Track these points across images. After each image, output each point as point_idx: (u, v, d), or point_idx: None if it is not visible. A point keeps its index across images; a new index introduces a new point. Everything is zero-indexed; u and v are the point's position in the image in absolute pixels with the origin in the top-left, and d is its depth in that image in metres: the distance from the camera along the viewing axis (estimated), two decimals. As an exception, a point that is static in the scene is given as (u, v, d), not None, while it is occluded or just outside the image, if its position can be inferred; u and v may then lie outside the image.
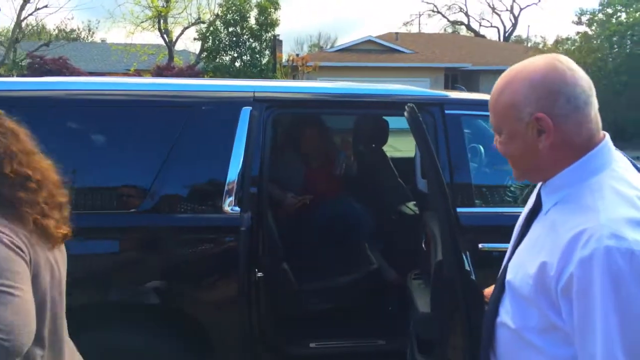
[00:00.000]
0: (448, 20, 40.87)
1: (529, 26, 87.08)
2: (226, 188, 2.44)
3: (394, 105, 2.71)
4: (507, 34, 38.96)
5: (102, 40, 33.06)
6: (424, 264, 2.39)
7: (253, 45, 19.84)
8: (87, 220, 2.43)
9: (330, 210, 3.62)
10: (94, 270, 2.42)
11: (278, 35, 20.84)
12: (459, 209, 2.57)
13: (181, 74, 18.38)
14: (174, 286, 2.47)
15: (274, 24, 19.87)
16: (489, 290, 1.39)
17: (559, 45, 21.44)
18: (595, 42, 19.16)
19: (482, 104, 2.63)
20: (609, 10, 19.38)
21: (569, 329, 1.04)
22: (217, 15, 20.72)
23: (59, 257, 1.26)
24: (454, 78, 23.81)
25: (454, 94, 3.00)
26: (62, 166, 2.46)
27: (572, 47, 20.00)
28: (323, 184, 3.73)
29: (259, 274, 2.45)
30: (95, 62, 25.07)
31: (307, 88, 3.09)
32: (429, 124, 2.64)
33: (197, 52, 22.39)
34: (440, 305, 1.87)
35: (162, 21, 21.92)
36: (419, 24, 53.63)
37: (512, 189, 2.85)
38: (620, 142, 13.78)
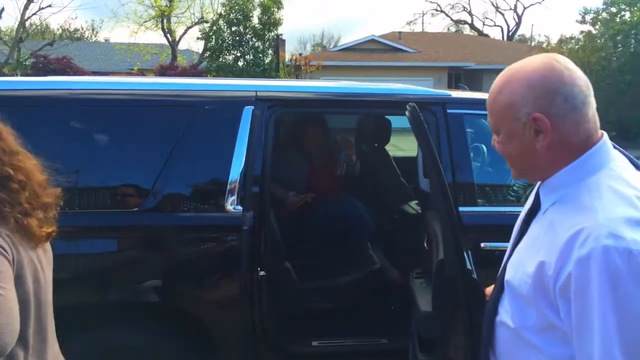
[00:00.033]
0: (451, 20, 40.86)
1: (532, 25, 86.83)
2: (228, 187, 2.45)
3: (396, 104, 2.71)
4: (510, 33, 38.89)
5: (105, 40, 33.15)
6: (426, 263, 2.39)
7: (256, 44, 19.85)
8: (89, 219, 2.45)
9: (333, 209, 3.63)
10: (96, 269, 2.44)
11: (281, 34, 20.85)
12: (461, 208, 2.57)
13: (184, 73, 18.42)
14: (177, 285, 2.48)
15: (277, 23, 19.87)
16: (490, 289, 1.40)
17: (563, 44, 21.37)
18: (599, 41, 19.09)
19: (484, 103, 2.62)
20: (613, 9, 19.31)
21: (567, 328, 1.04)
22: (220, 14, 20.74)
23: (43, 258, 1.23)
24: (458, 77, 23.78)
25: (457, 93, 3.00)
26: (63, 165, 2.48)
27: (576, 46, 19.93)
28: (325, 183, 3.73)
29: (262, 273, 2.45)
30: (98, 62, 25.13)
31: (309, 87, 3.09)
32: (431, 123, 2.64)
33: (200, 51, 22.43)
34: (441, 304, 1.87)
35: (165, 21, 21.97)
36: (423, 23, 53.66)
37: (514, 188, 2.85)
38: (624, 141, 13.75)
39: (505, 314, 1.19)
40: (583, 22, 20.37)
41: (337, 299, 3.16)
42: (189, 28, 22.88)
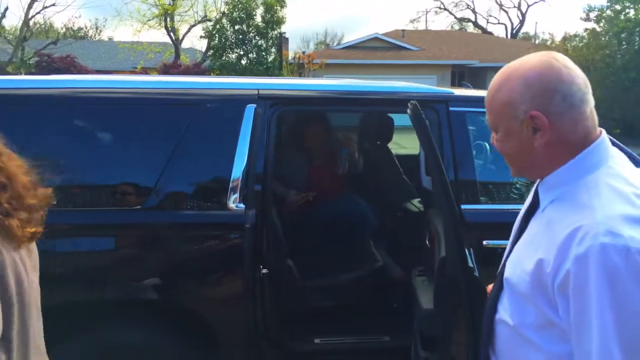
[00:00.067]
0: (455, 17, 40.73)
1: (536, 23, 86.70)
2: (231, 185, 2.46)
3: (399, 102, 2.71)
4: (514, 31, 38.75)
5: (109, 39, 33.17)
6: (428, 260, 2.39)
7: (259, 43, 19.85)
8: (91, 217, 2.46)
9: (335, 207, 3.63)
10: (97, 267, 2.45)
11: (284, 32, 20.83)
12: (463, 206, 2.57)
13: (188, 71, 18.44)
14: (179, 283, 2.48)
15: (280, 21, 19.87)
16: (491, 287, 1.40)
17: (567, 42, 21.29)
18: (603, 38, 19.01)
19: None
20: (617, 7, 19.21)
21: (565, 325, 1.04)
22: (224, 13, 20.75)
23: (28, 260, 1.21)
24: (461, 75, 23.74)
25: (459, 91, 2.99)
26: (65, 163, 2.49)
27: (580, 44, 19.85)
28: (327, 181, 3.73)
29: (264, 271, 2.46)
30: (102, 60, 25.18)
31: (312, 85, 3.09)
32: (433, 121, 2.64)
33: (204, 50, 22.45)
34: (443, 301, 1.88)
35: (168, 19, 21.99)
36: (426, 21, 53.43)
37: (517, 185, 2.85)
38: (629, 138, 13.70)
39: (504, 312, 1.19)
40: (587, 19, 20.29)
41: (339, 296, 3.16)
42: (192, 26, 22.92)
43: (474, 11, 41.39)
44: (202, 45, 28.00)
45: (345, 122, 4.49)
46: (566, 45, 20.26)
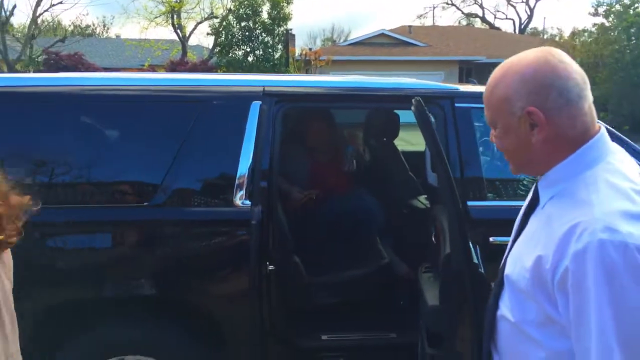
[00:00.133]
0: (462, 13, 40.53)
1: (544, 18, 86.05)
2: (237, 182, 2.46)
3: (404, 98, 2.70)
4: (522, 26, 38.51)
5: (116, 36, 33.29)
6: (433, 257, 2.39)
7: (266, 39, 19.84)
8: (98, 213, 2.47)
9: (341, 204, 3.63)
10: (106, 263, 2.46)
11: (291, 29, 20.82)
12: (469, 203, 2.56)
13: (194, 69, 18.47)
14: (185, 280, 2.49)
15: (286, 18, 19.84)
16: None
17: (576, 37, 21.17)
18: (612, 33, 18.86)
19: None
20: (627, 1, 19.04)
21: (565, 322, 1.04)
22: (230, 10, 20.76)
23: (0, 268, 1.21)
24: (468, 71, 23.62)
25: (465, 87, 2.98)
26: (72, 160, 2.50)
27: (589, 39, 19.71)
28: (333, 177, 3.73)
29: (270, 267, 2.46)
30: (110, 58, 25.27)
31: (317, 82, 3.09)
32: (438, 117, 2.63)
33: (210, 47, 22.48)
34: (448, 298, 1.87)
35: (175, 16, 22.03)
36: (433, 17, 53.30)
37: (524, 182, 2.83)
38: (638, 134, 13.57)
39: (505, 309, 1.19)
40: (596, 14, 20.14)
41: (345, 293, 3.16)
42: (199, 23, 22.93)
43: (481, 6, 41.26)
44: (209, 42, 28.07)
45: (351, 118, 4.49)
46: (575, 40, 20.14)
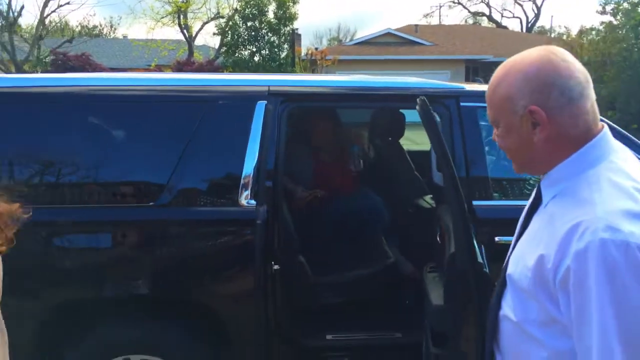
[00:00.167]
0: (469, 12, 40.39)
1: (552, 16, 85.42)
2: (242, 182, 2.47)
3: (409, 98, 2.70)
4: (529, 25, 38.32)
5: (123, 36, 33.45)
6: (438, 257, 2.38)
7: (272, 39, 19.86)
8: (104, 214, 2.49)
9: (347, 203, 3.63)
10: (111, 263, 2.48)
11: (297, 29, 20.83)
12: (475, 202, 2.55)
13: (201, 69, 18.51)
14: (191, 279, 2.50)
15: (292, 17, 19.85)
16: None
17: (583, 35, 21.00)
18: (620, 32, 18.69)
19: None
20: (635, 0, 18.88)
21: (566, 321, 1.04)
22: (236, 10, 20.80)
23: None
24: (475, 70, 23.53)
25: (470, 86, 2.97)
26: (79, 160, 2.52)
27: (597, 38, 19.56)
28: (338, 177, 3.73)
29: (275, 267, 2.47)
30: (117, 58, 25.38)
31: (322, 81, 3.09)
32: (444, 116, 2.62)
33: (217, 47, 22.53)
34: (453, 297, 1.87)
35: (181, 16, 22.10)
36: (440, 16, 53.10)
37: (531, 181, 2.82)
38: (646, 133, 13.46)
39: (508, 308, 1.19)
40: (604, 12, 19.96)
41: (350, 292, 3.16)
42: (205, 24, 23.00)
43: (488, 5, 41.07)
44: (215, 42, 28.10)
45: (356, 118, 4.48)
46: (582, 39, 19.98)
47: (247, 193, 2.46)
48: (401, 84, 2.86)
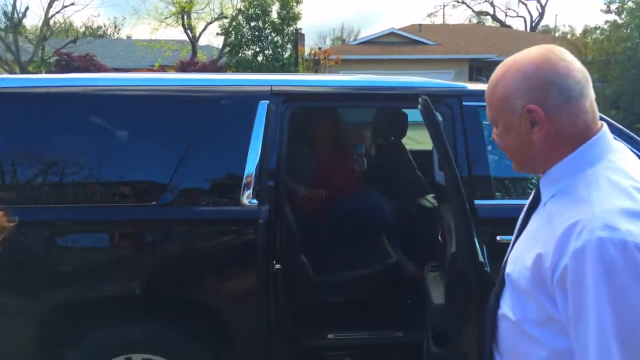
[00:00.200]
0: (473, 11, 40.32)
1: (556, 15, 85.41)
2: (244, 181, 2.47)
3: (412, 97, 2.70)
4: (534, 24, 38.21)
5: (127, 37, 33.56)
6: (440, 256, 2.38)
7: (275, 39, 19.88)
8: (106, 213, 2.50)
9: (349, 203, 3.63)
10: (112, 263, 2.49)
11: (300, 29, 20.82)
12: (477, 202, 2.55)
13: (204, 69, 18.54)
14: (192, 279, 2.51)
15: (296, 17, 19.86)
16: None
17: (588, 34, 20.94)
18: (624, 30, 18.62)
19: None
20: (640, -1, 18.81)
21: (564, 320, 1.04)
22: (240, 10, 20.83)
23: None
24: (479, 69, 23.49)
25: (473, 85, 2.97)
26: (81, 160, 2.52)
27: (601, 37, 19.49)
28: (341, 177, 3.73)
29: (277, 266, 2.47)
30: (121, 59, 25.45)
31: (324, 81, 3.10)
32: (446, 116, 2.62)
33: (220, 47, 22.56)
34: (454, 296, 1.87)
35: (185, 17, 22.14)
36: (443, 15, 53.02)
37: (533, 180, 2.82)
38: (651, 133, 13.40)
39: (506, 308, 1.19)
40: (608, 11, 19.89)
41: (352, 292, 3.16)
42: (208, 24, 23.03)
43: (492, 4, 40.77)
44: (218, 42, 28.16)
45: (359, 118, 4.48)
46: (587, 38, 19.93)
47: (249, 192, 2.46)
48: (403, 84, 2.85)
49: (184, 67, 18.46)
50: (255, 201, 2.45)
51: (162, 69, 19.11)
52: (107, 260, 2.50)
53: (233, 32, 20.42)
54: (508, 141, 1.17)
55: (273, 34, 19.84)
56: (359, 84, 2.93)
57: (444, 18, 40.06)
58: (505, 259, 1.27)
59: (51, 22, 22.00)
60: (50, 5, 20.35)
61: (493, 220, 2.55)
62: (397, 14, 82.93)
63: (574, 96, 1.08)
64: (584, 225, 0.99)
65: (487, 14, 40.20)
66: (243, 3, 20.46)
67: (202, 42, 24.81)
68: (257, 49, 20.04)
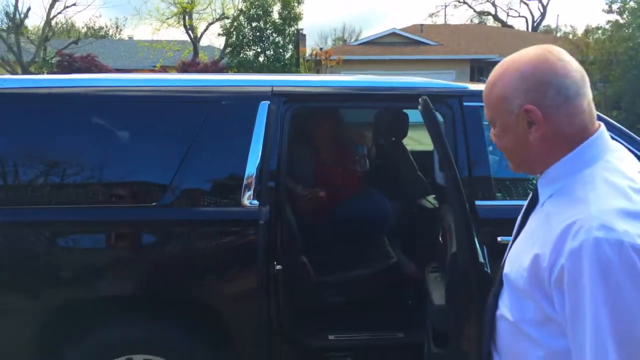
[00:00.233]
0: (474, 11, 40.30)
1: (558, 15, 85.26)
2: (245, 182, 2.47)
3: (412, 98, 2.70)
4: (535, 24, 38.20)
5: (129, 38, 33.61)
6: (441, 257, 2.38)
7: (276, 39, 19.90)
8: (106, 214, 2.50)
9: (350, 204, 3.63)
10: (113, 263, 2.49)
11: (301, 29, 20.86)
12: (478, 202, 2.55)
13: (206, 69, 18.56)
14: (193, 279, 2.51)
15: (297, 18, 19.88)
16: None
17: (589, 34, 20.89)
18: (626, 30, 18.58)
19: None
20: (641, -2, 18.77)
21: (561, 320, 1.04)
22: (241, 10, 20.86)
23: None
24: (480, 70, 23.47)
25: (474, 86, 2.97)
26: (83, 161, 2.53)
27: (603, 37, 19.46)
28: (342, 177, 3.74)
29: (278, 267, 2.47)
30: (122, 59, 25.48)
31: (325, 82, 3.10)
32: (447, 116, 2.62)
33: (222, 47, 22.59)
34: (455, 297, 1.87)
35: (187, 17, 22.18)
36: (445, 16, 53.06)
37: (534, 181, 2.81)
38: (652, 133, 13.37)
39: (504, 308, 1.19)
40: (610, 11, 19.85)
41: (353, 293, 3.16)
42: (210, 24, 23.10)
43: (493, 4, 40.79)
44: (220, 43, 28.17)
45: (360, 118, 4.49)
46: (588, 38, 19.89)
47: (249, 193, 2.47)
48: (404, 84, 2.85)
49: (185, 68, 18.48)
50: (256, 202, 2.45)
51: (164, 69, 19.13)
52: (108, 260, 2.50)
53: (234, 32, 20.45)
54: (505, 141, 1.17)
55: (274, 35, 19.87)
56: (360, 84, 2.93)
57: (445, 18, 40.16)
58: (503, 259, 1.27)
59: (53, 22, 22.08)
60: (52, 6, 20.42)
61: (493, 221, 2.54)
62: (399, 14, 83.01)
63: (571, 96, 1.08)
64: (581, 226, 0.99)
65: (489, 14, 40.21)
66: (244, 3, 20.51)
67: (203, 42, 24.88)
68: (259, 50, 20.07)
